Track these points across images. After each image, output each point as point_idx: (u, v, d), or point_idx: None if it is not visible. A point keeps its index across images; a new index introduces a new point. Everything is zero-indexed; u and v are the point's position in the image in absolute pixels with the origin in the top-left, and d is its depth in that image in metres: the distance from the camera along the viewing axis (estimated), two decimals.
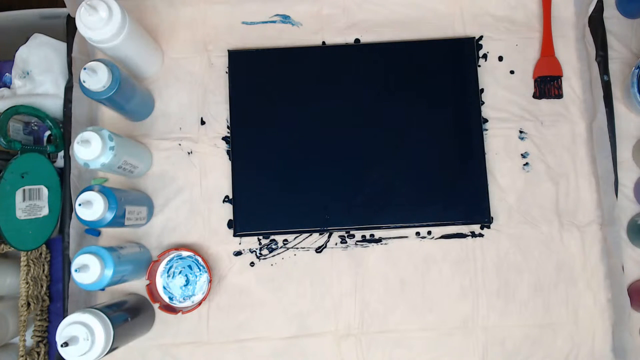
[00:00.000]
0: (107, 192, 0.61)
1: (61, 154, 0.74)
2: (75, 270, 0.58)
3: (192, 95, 0.75)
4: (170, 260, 0.70)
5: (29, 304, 0.69)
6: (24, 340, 0.68)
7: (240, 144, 0.73)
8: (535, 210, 0.72)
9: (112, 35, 0.62)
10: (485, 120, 0.74)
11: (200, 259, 0.69)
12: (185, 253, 0.70)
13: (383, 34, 0.76)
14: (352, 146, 0.73)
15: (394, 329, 0.71)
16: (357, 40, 0.76)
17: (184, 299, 0.70)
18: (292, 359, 0.71)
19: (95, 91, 0.61)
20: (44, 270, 0.72)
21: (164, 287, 0.70)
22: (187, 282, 0.70)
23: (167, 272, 0.70)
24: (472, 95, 0.74)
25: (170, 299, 0.70)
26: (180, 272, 0.70)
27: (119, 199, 0.62)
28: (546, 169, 0.73)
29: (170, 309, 0.69)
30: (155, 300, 0.68)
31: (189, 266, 0.70)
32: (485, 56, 0.75)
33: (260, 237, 0.73)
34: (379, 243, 0.72)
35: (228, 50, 0.75)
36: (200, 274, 0.70)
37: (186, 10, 0.77)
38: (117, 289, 0.71)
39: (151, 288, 0.69)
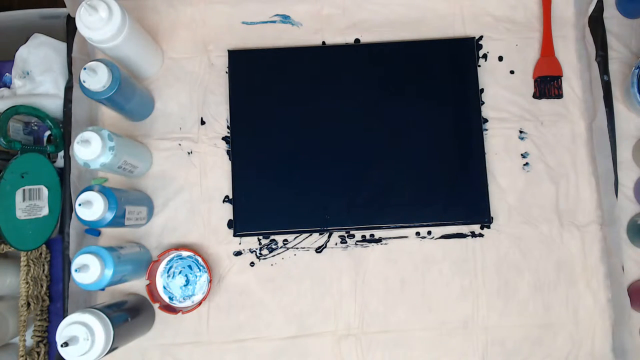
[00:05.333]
0: (107, 192, 0.61)
1: (61, 154, 0.74)
2: (75, 270, 0.58)
3: (192, 95, 0.75)
4: (170, 261, 0.70)
5: (29, 304, 0.69)
6: (24, 340, 0.68)
7: (240, 144, 0.73)
8: (535, 210, 0.72)
9: (112, 35, 0.62)
10: (485, 120, 0.74)
11: (200, 259, 0.69)
12: (185, 253, 0.70)
13: (383, 34, 0.76)
14: (352, 146, 0.73)
15: (394, 329, 0.71)
16: (357, 40, 0.76)
17: (184, 299, 0.70)
18: (292, 359, 0.71)
19: (95, 91, 0.61)
20: (44, 270, 0.72)
21: (164, 287, 0.70)
22: (187, 282, 0.70)
23: (167, 272, 0.70)
24: (472, 95, 0.74)
25: (170, 299, 0.70)
26: (180, 272, 0.70)
27: (119, 199, 0.62)
28: (546, 169, 0.73)
29: (170, 309, 0.69)
30: (155, 300, 0.68)
31: (189, 266, 0.70)
32: (485, 56, 0.75)
33: (260, 237, 0.73)
34: (379, 243, 0.72)
35: (228, 50, 0.75)
36: (200, 274, 0.70)
37: (186, 10, 0.77)
38: (117, 289, 0.71)
39: (151, 288, 0.69)
